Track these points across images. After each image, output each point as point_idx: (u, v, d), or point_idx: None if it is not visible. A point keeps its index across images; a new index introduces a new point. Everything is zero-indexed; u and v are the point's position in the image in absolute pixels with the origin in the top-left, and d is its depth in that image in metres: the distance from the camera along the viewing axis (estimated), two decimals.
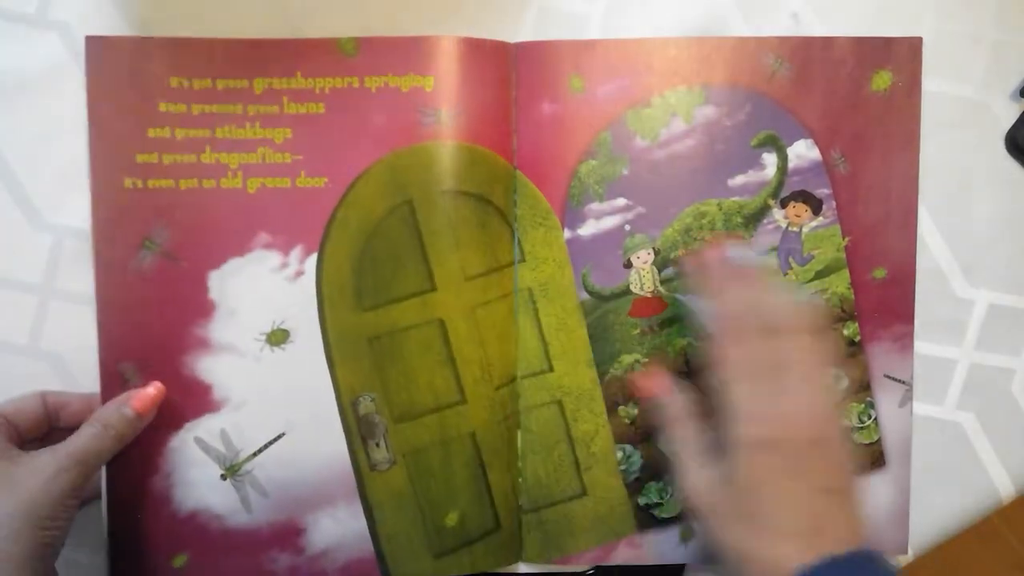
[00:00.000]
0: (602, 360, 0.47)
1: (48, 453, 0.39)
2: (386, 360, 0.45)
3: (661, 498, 0.47)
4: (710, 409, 0.40)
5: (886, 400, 0.47)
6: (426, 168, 0.44)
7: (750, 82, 0.46)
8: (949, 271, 0.48)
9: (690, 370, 0.47)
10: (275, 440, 0.45)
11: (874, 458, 0.47)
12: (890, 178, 0.47)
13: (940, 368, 0.48)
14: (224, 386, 0.44)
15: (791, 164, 0.47)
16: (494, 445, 0.46)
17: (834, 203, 0.47)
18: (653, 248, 0.47)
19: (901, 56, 0.46)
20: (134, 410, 0.42)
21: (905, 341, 0.47)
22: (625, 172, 0.46)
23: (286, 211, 0.44)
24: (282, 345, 0.45)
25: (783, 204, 0.47)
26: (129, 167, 0.44)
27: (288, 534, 0.45)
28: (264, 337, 0.45)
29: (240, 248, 0.44)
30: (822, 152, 0.47)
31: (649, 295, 0.47)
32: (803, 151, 0.47)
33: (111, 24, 0.45)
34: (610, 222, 0.47)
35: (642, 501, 0.47)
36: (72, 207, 0.44)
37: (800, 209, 0.47)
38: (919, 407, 0.48)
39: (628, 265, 0.47)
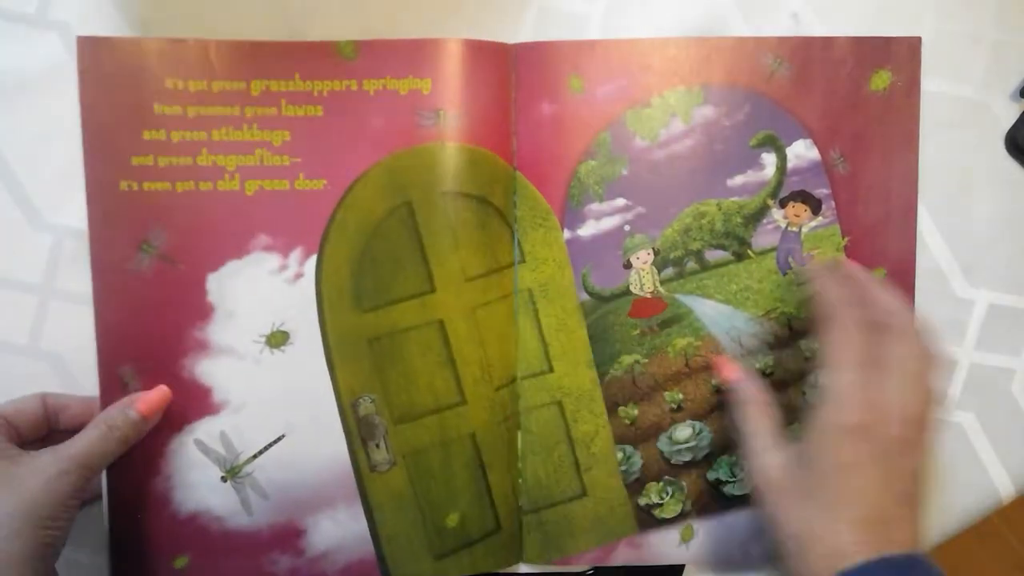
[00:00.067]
0: (602, 361, 0.47)
1: (50, 454, 0.39)
2: (386, 361, 0.45)
3: (661, 499, 0.47)
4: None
5: None
6: (425, 169, 0.44)
7: (749, 82, 0.46)
8: (949, 271, 0.48)
9: (690, 370, 0.47)
10: (275, 442, 0.45)
11: None
12: (889, 178, 0.47)
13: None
14: (224, 388, 0.44)
15: (790, 164, 0.47)
16: (494, 446, 0.46)
17: (833, 203, 0.47)
18: (653, 248, 0.47)
19: (900, 56, 0.46)
20: (139, 413, 0.42)
21: None
22: (625, 172, 0.46)
23: (285, 213, 0.44)
24: (282, 347, 0.45)
25: (782, 204, 0.47)
26: (124, 170, 0.43)
27: (288, 536, 0.45)
28: (264, 339, 0.45)
29: (238, 250, 0.44)
30: (821, 152, 0.47)
31: (649, 295, 0.47)
32: (802, 151, 0.47)
33: (111, 24, 0.45)
34: (610, 222, 0.47)
35: (642, 502, 0.47)
36: (72, 207, 0.44)
37: (799, 209, 0.47)
38: None
39: (628, 265, 0.47)
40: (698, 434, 0.47)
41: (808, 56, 0.46)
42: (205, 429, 0.44)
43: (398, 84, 0.44)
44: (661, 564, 0.47)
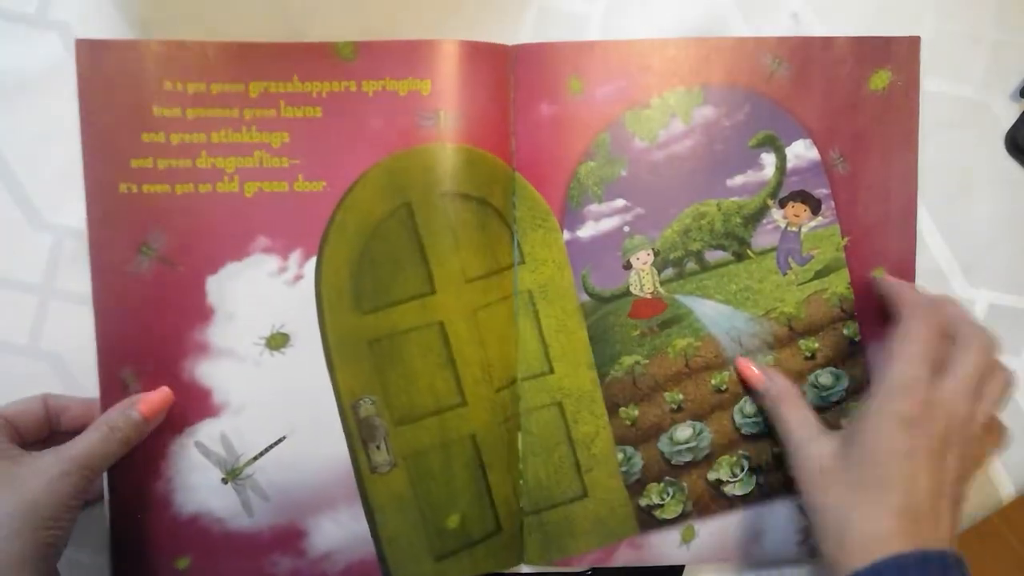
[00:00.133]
0: (602, 362, 0.47)
1: (52, 454, 0.39)
2: (386, 363, 0.45)
3: (662, 499, 0.47)
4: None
5: None
6: (425, 171, 0.44)
7: (749, 82, 0.46)
8: (949, 271, 0.48)
9: (690, 371, 0.47)
10: (276, 444, 0.45)
11: None
12: (889, 178, 0.47)
13: None
14: (224, 390, 0.44)
15: (790, 164, 0.47)
16: (495, 447, 0.46)
17: (833, 203, 0.47)
18: (653, 249, 0.47)
19: (900, 56, 0.46)
20: (141, 414, 0.42)
21: None
22: (624, 173, 0.46)
23: (284, 215, 0.44)
24: (282, 349, 0.45)
25: (782, 204, 0.47)
26: (124, 172, 0.43)
27: (290, 537, 0.45)
28: (264, 341, 0.45)
29: (238, 252, 0.44)
30: (821, 152, 0.47)
31: (649, 296, 0.47)
32: (802, 151, 0.47)
33: (111, 24, 0.45)
34: (609, 223, 0.47)
35: (643, 502, 0.47)
36: (72, 207, 0.44)
37: (799, 209, 0.47)
38: None
39: (628, 266, 0.47)
40: (698, 434, 0.47)
41: (808, 56, 0.46)
42: (206, 431, 0.44)
43: (397, 85, 0.44)
44: (662, 565, 0.47)
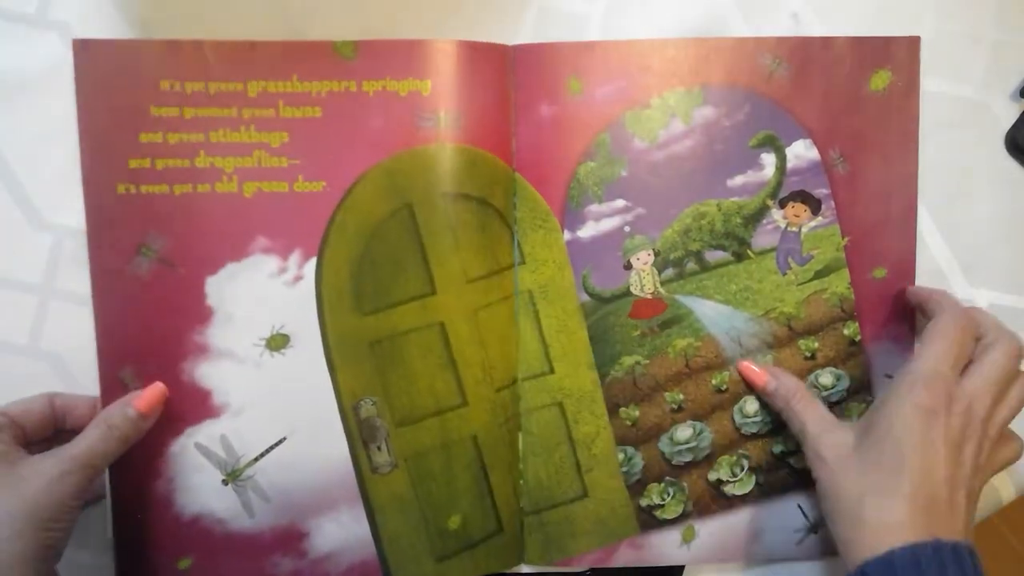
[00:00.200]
0: (603, 362, 0.47)
1: (52, 455, 0.39)
2: (387, 364, 0.45)
3: (662, 499, 0.47)
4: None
5: None
6: (425, 171, 0.44)
7: (748, 82, 0.46)
8: (949, 271, 0.48)
9: (691, 371, 0.47)
10: (276, 445, 0.45)
11: None
12: (889, 178, 0.47)
13: None
14: (223, 392, 0.44)
15: (790, 164, 0.47)
16: (495, 447, 0.46)
17: (833, 203, 0.47)
18: (653, 249, 0.47)
19: (900, 56, 0.46)
20: (137, 410, 0.42)
21: (906, 341, 0.47)
22: (624, 173, 0.46)
23: (284, 215, 0.44)
24: (282, 350, 0.45)
25: (782, 204, 0.47)
26: (122, 173, 0.43)
27: (291, 538, 0.45)
28: (264, 342, 0.44)
29: (237, 253, 0.44)
30: (821, 152, 0.47)
31: (649, 296, 0.47)
32: (802, 151, 0.47)
33: (111, 24, 0.45)
34: (609, 223, 0.47)
35: (643, 502, 0.47)
36: (72, 207, 0.44)
37: (799, 209, 0.47)
38: None
39: (628, 266, 0.47)
40: (699, 434, 0.47)
41: (807, 56, 0.46)
42: (206, 432, 0.44)
43: (398, 85, 0.44)
44: (662, 565, 0.47)
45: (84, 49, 0.43)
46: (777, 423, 0.47)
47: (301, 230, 0.44)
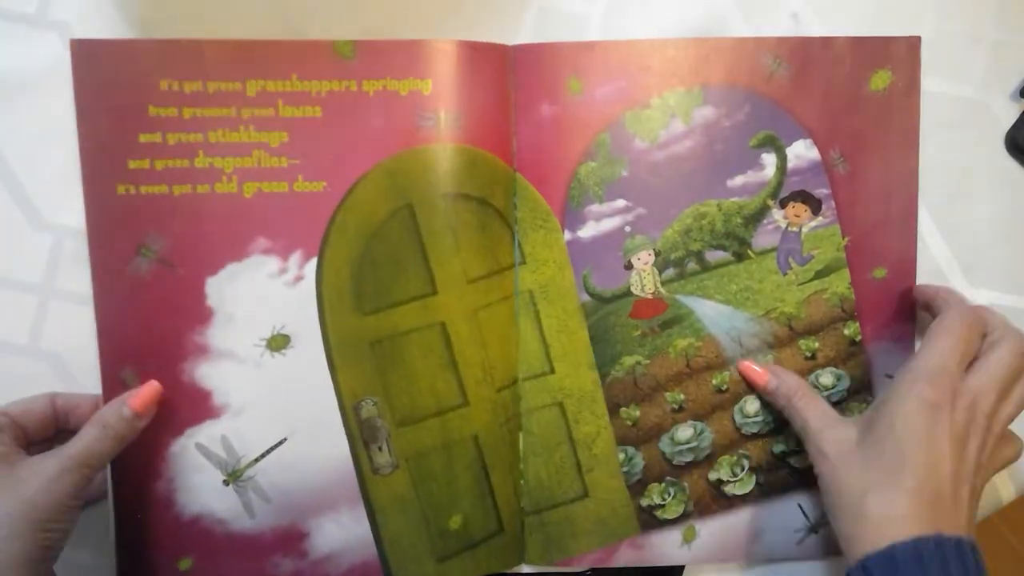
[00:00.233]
0: (603, 362, 0.47)
1: (50, 456, 0.39)
2: (388, 364, 0.45)
3: (663, 499, 0.47)
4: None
5: None
6: (426, 171, 0.44)
7: (748, 82, 0.46)
8: (949, 271, 0.48)
9: (691, 371, 0.47)
10: (277, 445, 0.45)
11: None
12: (889, 178, 0.47)
13: None
14: (224, 392, 0.44)
15: (790, 164, 0.47)
16: (496, 448, 0.46)
17: (833, 203, 0.47)
18: (653, 249, 0.47)
19: (900, 56, 0.46)
20: (132, 410, 0.42)
21: (906, 341, 0.47)
22: (624, 173, 0.46)
23: (284, 215, 0.44)
24: (282, 351, 0.45)
25: (782, 204, 0.47)
26: (121, 173, 0.43)
27: (291, 539, 0.45)
28: (264, 343, 0.44)
29: (237, 253, 0.44)
30: (821, 152, 0.47)
31: (650, 296, 0.47)
32: (802, 151, 0.47)
33: (111, 24, 0.45)
34: (610, 223, 0.47)
35: (644, 502, 0.47)
36: (72, 207, 0.44)
37: (799, 209, 0.47)
38: None
39: (629, 266, 0.47)
40: (699, 434, 0.47)
41: (808, 56, 0.46)
42: (206, 433, 0.44)
43: (398, 85, 0.44)
44: (663, 565, 0.47)
45: (82, 49, 0.43)
46: (778, 423, 0.47)
47: (301, 230, 0.44)
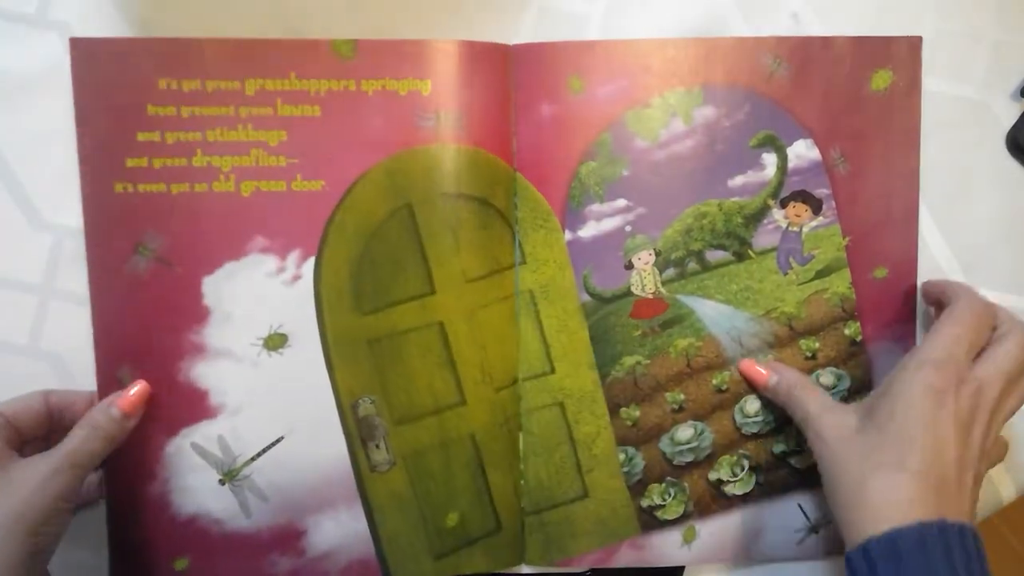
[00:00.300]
0: (604, 362, 0.47)
1: (41, 457, 0.39)
2: (386, 363, 0.45)
3: (663, 500, 0.47)
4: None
5: None
6: (425, 171, 0.44)
7: (749, 82, 0.46)
8: (949, 270, 0.48)
9: (691, 371, 0.47)
10: (273, 444, 0.45)
11: None
12: (890, 178, 0.47)
13: None
14: (220, 391, 0.44)
15: (791, 164, 0.47)
16: (494, 447, 0.46)
17: (834, 203, 0.47)
18: (654, 249, 0.47)
19: (900, 56, 0.46)
20: (120, 410, 0.41)
21: (907, 341, 0.47)
22: (625, 173, 0.46)
23: (282, 215, 0.44)
24: (280, 350, 0.44)
25: (783, 204, 0.47)
26: (119, 171, 0.43)
27: (289, 537, 0.45)
28: (261, 342, 0.44)
29: (235, 252, 0.44)
30: (821, 152, 0.47)
31: (650, 296, 0.47)
32: (803, 151, 0.47)
33: (111, 24, 0.45)
34: (611, 223, 0.46)
35: (644, 503, 0.47)
36: (72, 207, 0.44)
37: (800, 209, 0.47)
38: None
39: (629, 266, 0.47)
40: (699, 435, 0.47)
41: (808, 56, 0.46)
42: (202, 432, 0.44)
43: (397, 85, 0.44)
44: (663, 565, 0.47)
45: (81, 48, 0.43)
46: (778, 423, 0.47)
47: (299, 229, 0.44)
